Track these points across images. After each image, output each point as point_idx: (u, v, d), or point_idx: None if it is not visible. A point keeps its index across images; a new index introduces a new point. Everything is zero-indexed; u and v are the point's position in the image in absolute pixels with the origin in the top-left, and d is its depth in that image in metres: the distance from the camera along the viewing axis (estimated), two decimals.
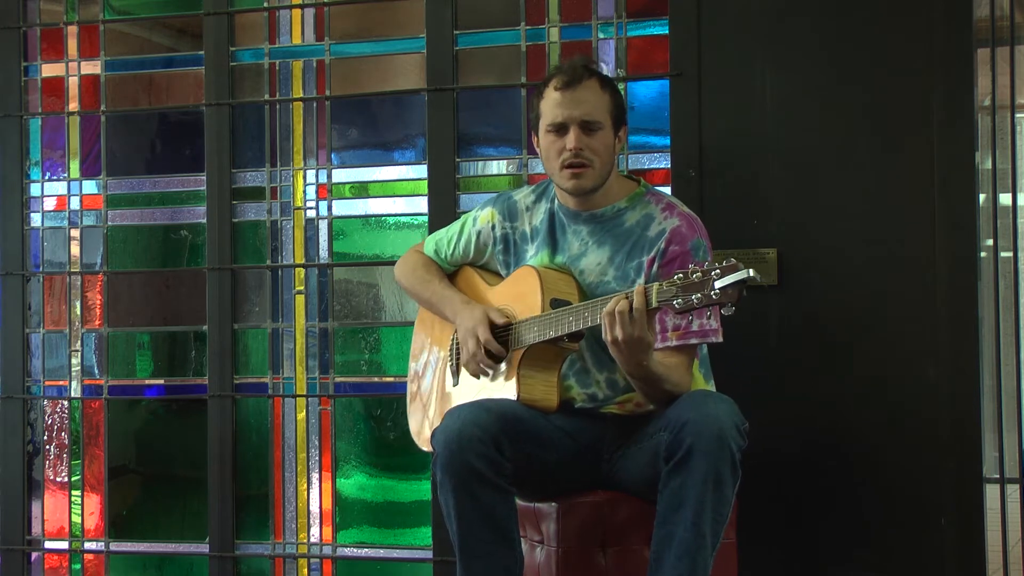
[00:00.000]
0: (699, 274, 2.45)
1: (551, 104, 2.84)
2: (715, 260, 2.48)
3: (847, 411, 3.25)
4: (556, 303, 2.77)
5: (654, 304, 2.51)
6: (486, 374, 2.87)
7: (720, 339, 2.81)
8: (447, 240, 3.12)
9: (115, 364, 3.93)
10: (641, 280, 2.81)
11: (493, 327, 2.85)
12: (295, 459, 3.77)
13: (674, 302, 2.47)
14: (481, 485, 2.60)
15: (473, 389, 2.91)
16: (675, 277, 2.49)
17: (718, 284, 2.41)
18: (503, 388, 2.82)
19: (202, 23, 3.82)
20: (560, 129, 2.83)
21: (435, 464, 2.65)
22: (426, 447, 2.99)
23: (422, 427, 3.11)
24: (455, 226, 3.13)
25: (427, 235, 3.53)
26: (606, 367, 2.84)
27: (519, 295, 2.87)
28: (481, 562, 2.64)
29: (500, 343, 2.85)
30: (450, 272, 3.14)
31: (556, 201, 2.95)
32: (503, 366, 2.84)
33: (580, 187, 2.85)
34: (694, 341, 2.78)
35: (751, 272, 2.39)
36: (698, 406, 2.58)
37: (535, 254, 2.94)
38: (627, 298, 2.55)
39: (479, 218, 3.06)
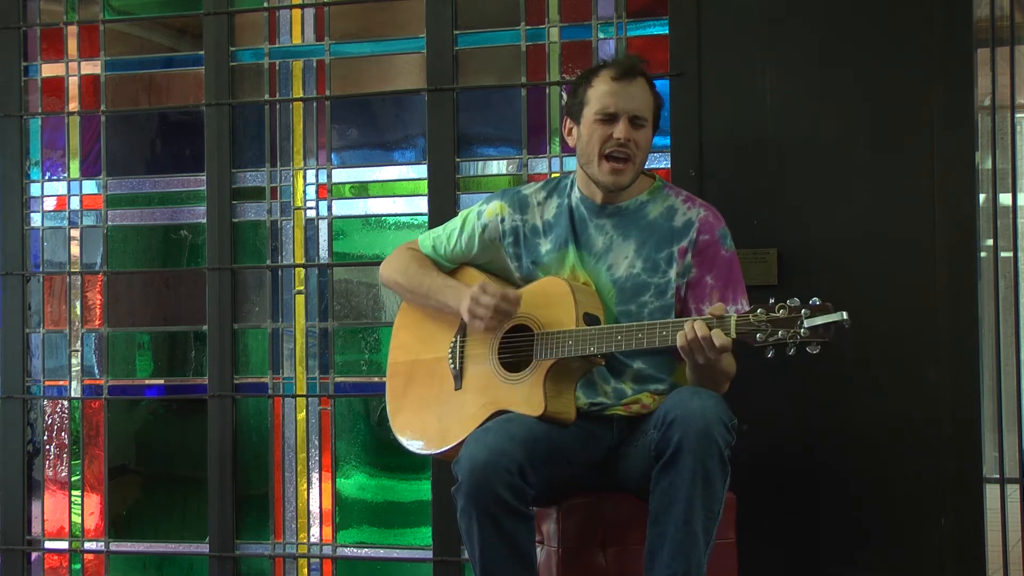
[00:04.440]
0: (785, 311, 2.46)
1: (602, 93, 2.84)
2: (795, 299, 2.48)
3: (847, 411, 3.25)
4: (589, 318, 2.76)
5: (733, 336, 2.52)
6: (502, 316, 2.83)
7: None
8: (446, 236, 3.07)
9: (115, 364, 3.93)
10: (673, 269, 2.82)
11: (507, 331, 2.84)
12: (295, 459, 3.77)
13: (756, 335, 2.49)
14: (506, 514, 2.59)
15: (480, 395, 2.86)
16: (758, 311, 2.49)
17: (807, 323, 2.43)
18: (517, 399, 2.78)
19: (202, 23, 3.82)
20: (610, 119, 2.83)
21: (458, 491, 2.61)
22: (411, 446, 2.99)
23: (414, 427, 3.03)
24: (454, 222, 3.08)
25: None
26: (613, 379, 2.84)
27: (546, 304, 2.82)
28: None
29: (516, 351, 2.82)
30: (449, 270, 3.08)
31: (575, 196, 2.94)
32: (524, 375, 2.80)
33: (618, 183, 2.85)
34: None
35: (844, 315, 2.40)
36: (684, 403, 2.59)
37: (553, 248, 2.92)
38: (708, 326, 2.55)
39: (485, 212, 3.01)
